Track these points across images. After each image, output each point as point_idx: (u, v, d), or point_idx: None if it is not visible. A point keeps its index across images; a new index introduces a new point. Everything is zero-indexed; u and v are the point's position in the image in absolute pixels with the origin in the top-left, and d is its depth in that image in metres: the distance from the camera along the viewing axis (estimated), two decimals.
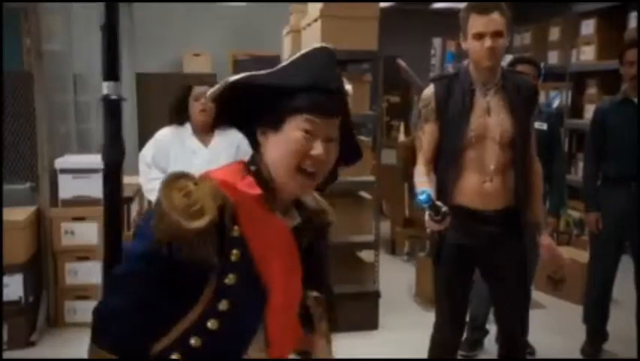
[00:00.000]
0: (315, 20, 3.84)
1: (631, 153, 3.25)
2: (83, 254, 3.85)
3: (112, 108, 1.97)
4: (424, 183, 2.46)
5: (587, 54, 5.69)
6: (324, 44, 1.24)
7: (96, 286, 3.78)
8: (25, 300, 3.62)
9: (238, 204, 1.15)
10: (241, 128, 1.29)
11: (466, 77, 2.43)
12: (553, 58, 6.61)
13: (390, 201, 5.88)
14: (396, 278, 4.71)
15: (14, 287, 3.56)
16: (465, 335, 3.52)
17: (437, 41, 5.67)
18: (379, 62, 3.90)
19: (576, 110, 5.93)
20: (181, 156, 3.12)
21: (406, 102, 6.93)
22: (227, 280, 1.14)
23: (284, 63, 1.23)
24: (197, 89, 3.11)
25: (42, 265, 3.88)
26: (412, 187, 5.42)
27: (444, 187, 2.49)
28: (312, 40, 3.89)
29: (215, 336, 1.14)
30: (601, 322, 3.55)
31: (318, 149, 1.18)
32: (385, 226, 5.71)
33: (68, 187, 3.90)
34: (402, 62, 5.93)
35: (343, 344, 3.43)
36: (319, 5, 3.76)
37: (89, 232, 3.87)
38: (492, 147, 2.41)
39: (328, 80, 1.20)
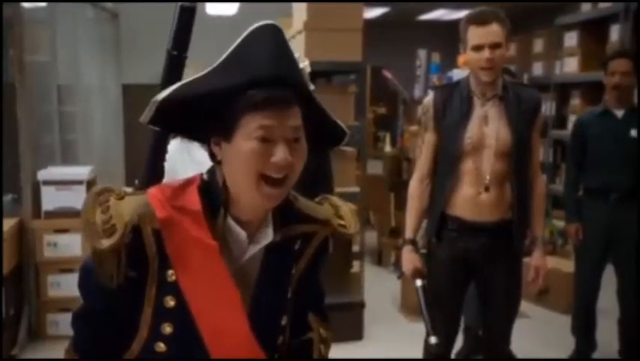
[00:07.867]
0: (300, 32, 3.86)
1: (611, 165, 3.28)
2: (66, 266, 3.80)
3: None
4: (414, 220, 2.50)
5: (570, 65, 5.75)
6: (268, 22, 1.02)
7: (79, 299, 3.73)
8: (6, 313, 3.57)
9: (168, 221, 1.04)
10: (197, 138, 1.12)
11: (466, 87, 2.43)
12: (538, 69, 6.69)
13: (377, 211, 5.89)
14: (382, 289, 4.70)
15: None
16: (462, 344, 3.52)
17: (422, 53, 5.69)
18: (364, 72, 3.91)
19: (560, 121, 5.99)
20: (189, 169, 3.07)
21: (392, 113, 6.96)
22: (166, 303, 1.06)
23: (222, 58, 1.03)
24: None
25: (24, 277, 3.84)
26: (398, 198, 5.47)
27: (439, 196, 2.47)
28: (298, 52, 3.89)
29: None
30: (589, 331, 3.55)
31: (279, 154, 1.00)
32: (372, 237, 5.71)
33: (51, 199, 3.86)
34: (388, 73, 5.96)
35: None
36: (303, 17, 3.78)
37: (72, 244, 3.83)
38: (489, 156, 2.37)
39: (273, 68, 0.99)
